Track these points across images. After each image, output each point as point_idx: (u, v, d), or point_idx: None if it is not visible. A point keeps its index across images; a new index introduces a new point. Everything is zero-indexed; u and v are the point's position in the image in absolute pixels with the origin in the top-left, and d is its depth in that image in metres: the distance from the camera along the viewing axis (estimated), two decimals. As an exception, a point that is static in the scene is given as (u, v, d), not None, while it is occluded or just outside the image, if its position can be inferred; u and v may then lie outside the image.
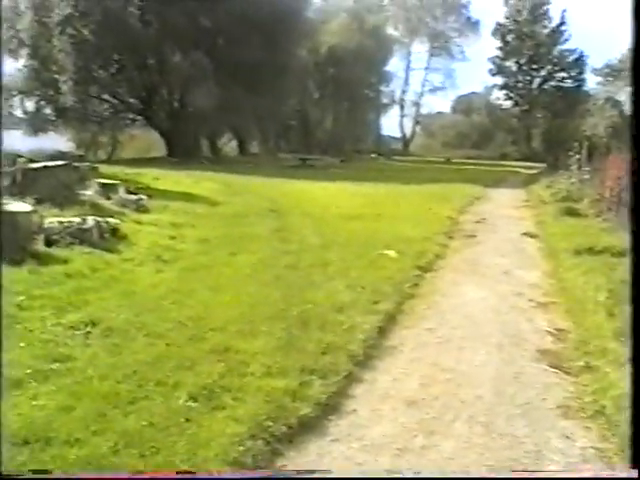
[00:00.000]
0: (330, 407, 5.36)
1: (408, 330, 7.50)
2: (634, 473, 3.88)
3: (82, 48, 37.70)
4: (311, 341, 6.47)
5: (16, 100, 44.07)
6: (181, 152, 39.53)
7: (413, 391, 5.81)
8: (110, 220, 11.15)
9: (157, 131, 44.87)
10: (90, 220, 10.34)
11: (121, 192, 15.01)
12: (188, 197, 17.74)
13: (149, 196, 15.85)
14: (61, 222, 10.08)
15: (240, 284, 8.64)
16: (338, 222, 14.61)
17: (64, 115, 42.02)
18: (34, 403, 4.85)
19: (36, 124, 43.03)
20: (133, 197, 14.89)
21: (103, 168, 22.69)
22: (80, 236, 9.85)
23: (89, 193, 14.05)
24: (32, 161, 15.13)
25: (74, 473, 4.11)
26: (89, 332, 6.37)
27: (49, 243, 9.52)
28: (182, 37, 38.54)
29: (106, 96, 43.65)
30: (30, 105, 44.22)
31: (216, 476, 4.25)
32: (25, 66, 42.81)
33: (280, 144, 58.97)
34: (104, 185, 15.12)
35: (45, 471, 4.06)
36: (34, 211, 9.67)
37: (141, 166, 29.99)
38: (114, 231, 10.81)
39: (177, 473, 4.16)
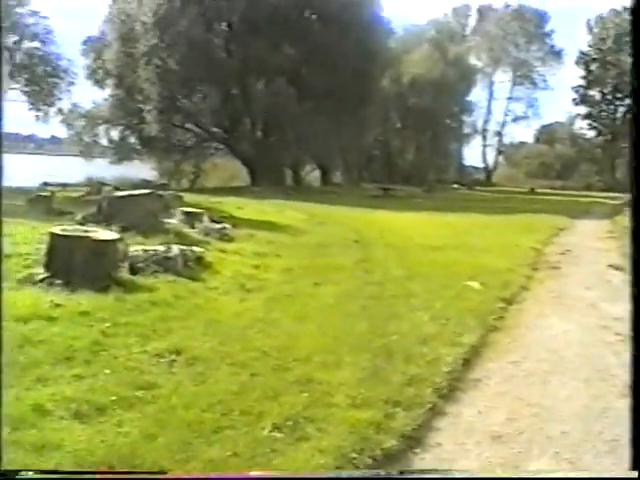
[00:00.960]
0: (415, 440, 5.31)
1: (493, 363, 7.40)
2: (634, 474, 3.84)
3: (167, 78, 38.58)
4: (395, 372, 6.45)
5: (102, 129, 45.29)
6: (264, 181, 39.91)
7: (498, 425, 5.72)
8: (194, 249, 11.32)
9: (240, 160, 45.43)
10: (175, 248, 10.53)
11: (205, 221, 15.24)
12: (271, 226, 17.90)
13: (233, 225, 16.04)
14: (146, 250, 10.29)
15: (324, 314, 8.67)
16: (421, 253, 14.55)
17: (149, 144, 42.99)
18: (119, 430, 4.93)
19: (121, 153, 44.10)
20: (217, 226, 15.10)
21: (187, 196, 23.11)
22: (165, 264, 10.03)
23: (174, 221, 14.33)
24: (118, 189, 15.49)
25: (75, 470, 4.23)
26: (174, 360, 6.47)
27: (134, 271, 9.71)
28: (266, 66, 39.06)
29: (190, 125, 44.48)
30: (115, 134, 45.42)
31: (216, 476, 4.34)
32: (111, 96, 44.10)
33: (363, 174, 59.08)
34: (188, 213, 15.39)
35: (45, 471, 4.14)
36: (120, 239, 9.89)
37: (224, 195, 30.39)
38: (198, 260, 10.97)
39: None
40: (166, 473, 4.36)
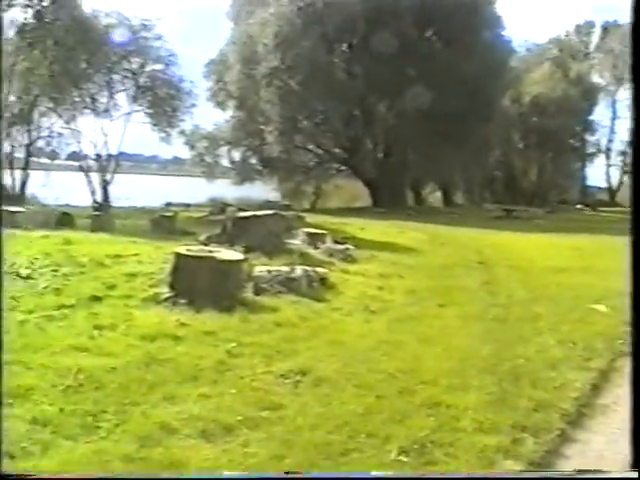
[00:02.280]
0: (543, 466, 5.18)
1: (622, 389, 7.14)
2: (634, 473, 3.86)
3: (288, 99, 39.12)
4: (522, 397, 6.37)
5: (224, 150, 46.24)
6: (386, 202, 39.91)
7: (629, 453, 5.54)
8: (318, 269, 11.41)
9: (362, 181, 45.58)
10: (299, 269, 10.64)
11: (328, 242, 15.35)
12: (394, 247, 17.90)
13: (355, 246, 16.10)
14: (270, 271, 10.44)
15: (449, 337, 8.62)
16: (545, 275, 14.29)
17: (270, 165, 43.67)
18: (246, 450, 4.99)
19: (243, 173, 44.92)
20: (340, 247, 15.19)
21: (308, 217, 23.35)
22: (289, 285, 10.15)
23: (297, 242, 14.50)
24: (241, 210, 15.77)
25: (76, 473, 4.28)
26: (299, 381, 6.51)
27: (258, 291, 9.86)
28: (387, 88, 39.15)
29: (311, 146, 44.94)
30: (237, 155, 46.27)
31: (216, 476, 4.38)
32: (232, 117, 45.02)
33: (484, 194, 58.40)
34: (311, 234, 15.55)
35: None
36: (244, 259, 10.06)
37: (346, 216, 30.60)
38: (322, 281, 11.04)
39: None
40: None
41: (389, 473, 4.75)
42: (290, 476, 4.58)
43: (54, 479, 4.30)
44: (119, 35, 38.67)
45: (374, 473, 4.69)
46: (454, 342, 8.30)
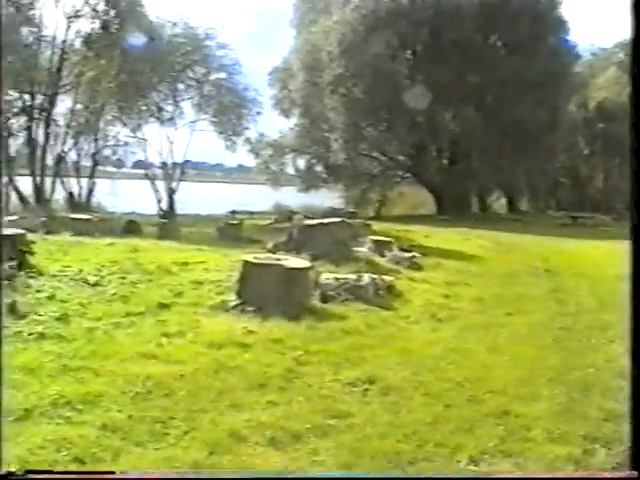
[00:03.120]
0: (617, 479, 5.11)
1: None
2: (634, 474, 3.72)
3: (352, 107, 39.09)
4: (592, 407, 6.30)
5: (288, 158, 46.44)
6: (451, 209, 39.68)
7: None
8: (385, 277, 11.40)
9: (426, 188, 45.37)
10: (366, 277, 10.65)
11: (394, 249, 15.33)
12: (460, 255, 17.81)
13: (421, 254, 16.04)
14: (337, 279, 10.47)
15: (517, 345, 8.58)
16: (613, 283, 14.01)
17: (335, 172, 43.68)
18: (314, 458, 5.01)
19: (308, 181, 45.01)
20: (406, 254, 15.14)
21: (374, 225, 23.34)
22: (355, 293, 10.16)
23: (363, 250, 14.51)
24: (307, 217, 15.84)
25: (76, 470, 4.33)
26: (367, 389, 6.52)
27: (325, 299, 9.89)
28: (451, 94, 38.93)
29: (375, 154, 44.85)
30: (302, 163, 46.41)
31: (217, 476, 4.43)
32: (297, 125, 45.15)
33: (550, 201, 57.63)
34: (377, 242, 15.54)
35: (46, 471, 4.19)
36: (311, 267, 10.10)
37: (411, 223, 30.48)
38: (389, 288, 11.03)
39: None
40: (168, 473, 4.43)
41: (391, 473, 4.76)
42: (290, 476, 4.60)
43: (55, 479, 4.34)
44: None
45: (374, 473, 4.67)
46: (522, 351, 8.25)
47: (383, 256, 14.74)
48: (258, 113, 42.49)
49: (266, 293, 9.17)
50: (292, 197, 44.81)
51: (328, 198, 44.24)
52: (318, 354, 7.49)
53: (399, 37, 39.67)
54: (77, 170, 39.18)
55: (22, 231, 12.64)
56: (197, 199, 44.29)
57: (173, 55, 38.96)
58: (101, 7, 35.97)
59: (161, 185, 41.14)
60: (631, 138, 4.34)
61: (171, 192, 40.81)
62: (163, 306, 9.41)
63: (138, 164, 44.09)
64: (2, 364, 5.64)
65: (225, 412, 5.75)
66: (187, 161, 42.89)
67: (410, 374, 6.97)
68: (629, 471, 3.96)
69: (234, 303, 9.34)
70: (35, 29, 35.01)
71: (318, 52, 40.32)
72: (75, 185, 38.80)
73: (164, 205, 39.87)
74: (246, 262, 9.72)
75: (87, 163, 39.73)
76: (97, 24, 36.17)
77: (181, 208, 39.07)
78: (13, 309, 8.49)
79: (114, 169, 43.43)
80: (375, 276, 11.03)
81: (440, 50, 38.32)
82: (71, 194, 38.17)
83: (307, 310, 9.19)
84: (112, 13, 35.98)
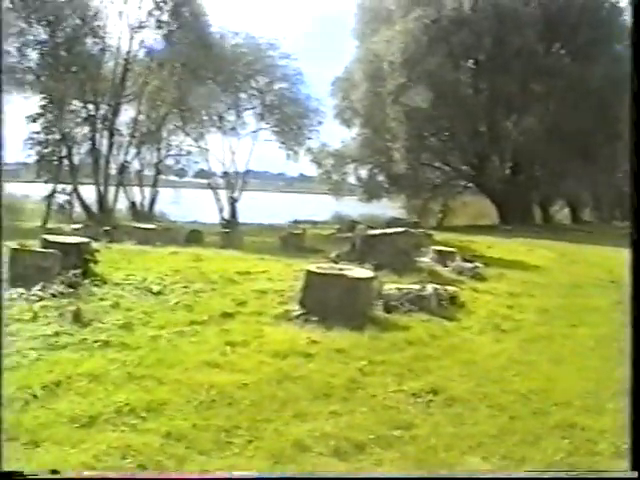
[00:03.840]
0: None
1: None
2: (634, 474, 3.85)
3: (414, 116, 38.96)
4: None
5: (350, 167, 46.41)
6: (513, 219, 39.24)
7: None
8: (448, 288, 11.34)
9: (489, 198, 44.99)
10: (429, 287, 10.62)
11: (457, 259, 15.26)
12: (523, 265, 17.63)
13: (484, 264, 15.92)
14: (400, 289, 10.44)
15: (582, 357, 8.48)
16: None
17: (397, 182, 43.54)
18: (379, 469, 5.00)
19: (370, 191, 44.91)
20: (469, 265, 15.05)
21: (436, 235, 23.22)
22: (419, 303, 10.14)
23: (425, 260, 14.46)
24: (370, 227, 15.86)
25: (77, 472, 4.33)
26: (430, 400, 6.50)
27: (388, 309, 9.88)
28: (513, 103, 38.64)
29: (438, 163, 44.65)
30: (364, 172, 46.32)
31: (217, 476, 4.43)
32: (359, 135, 45.15)
33: (614, 212, 56.75)
34: (440, 252, 15.48)
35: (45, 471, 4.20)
36: (374, 277, 10.10)
37: (473, 233, 30.29)
38: (452, 299, 10.97)
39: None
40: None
41: (390, 473, 4.76)
42: (290, 476, 4.59)
43: (55, 479, 4.38)
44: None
45: (375, 473, 4.64)
46: (587, 363, 8.16)
47: (446, 266, 14.69)
48: (320, 123, 42.69)
49: (329, 303, 9.19)
50: (352, 207, 44.80)
51: (389, 208, 44.13)
52: (382, 364, 7.48)
53: (461, 46, 39.49)
54: (140, 179, 39.77)
55: (87, 240, 12.85)
56: (259, 208, 44.50)
57: (235, 65, 39.32)
58: (165, 18, 36.52)
59: (223, 194, 41.48)
60: (632, 137, 4.30)
61: (233, 201, 41.13)
62: (227, 315, 9.49)
63: (200, 173, 44.49)
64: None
65: (289, 422, 5.77)
66: (249, 170, 43.24)
67: (474, 385, 6.93)
68: (629, 471, 3.96)
69: (297, 313, 9.38)
70: (99, 40, 35.66)
71: (380, 62, 40.28)
72: (138, 194, 39.36)
73: (226, 214, 40.19)
74: (309, 272, 9.75)
75: (149, 172, 40.27)
76: (160, 34, 36.69)
77: (243, 217, 39.34)
78: (77, 317, 8.65)
79: (176, 178, 43.88)
80: (438, 286, 10.99)
81: (503, 59, 38.05)
82: (134, 203, 38.75)
83: (370, 320, 9.19)
84: (176, 25, 36.40)
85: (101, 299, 10.11)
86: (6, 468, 4.47)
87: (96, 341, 7.76)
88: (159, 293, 10.89)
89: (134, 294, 10.73)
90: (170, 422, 5.55)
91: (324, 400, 6.33)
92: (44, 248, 11.70)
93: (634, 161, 4.54)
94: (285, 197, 66.72)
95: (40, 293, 9.84)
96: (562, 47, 41.59)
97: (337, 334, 8.49)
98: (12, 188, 34.55)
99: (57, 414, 5.54)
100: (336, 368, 7.24)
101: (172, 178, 43.70)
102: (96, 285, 10.92)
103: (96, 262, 12.00)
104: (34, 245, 11.93)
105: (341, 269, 9.98)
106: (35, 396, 5.92)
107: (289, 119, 41.16)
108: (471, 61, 42.04)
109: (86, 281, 10.88)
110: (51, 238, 12.47)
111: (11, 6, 31.81)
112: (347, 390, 6.61)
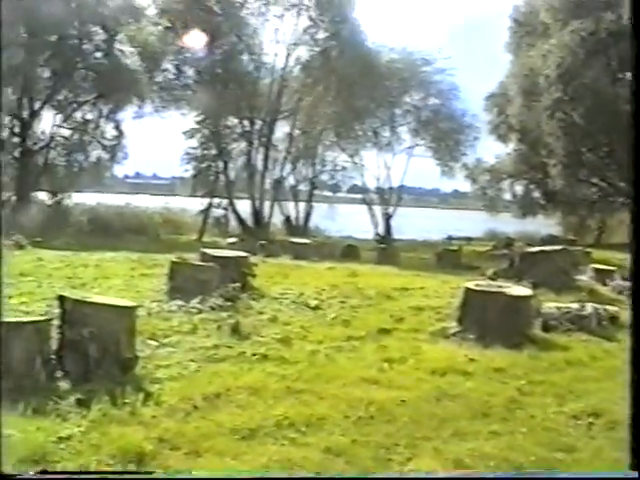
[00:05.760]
0: None
1: None
2: (634, 474, 3.81)
3: (571, 131, 38.03)
4: None
5: (506, 183, 45.70)
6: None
7: None
8: (608, 307, 11.01)
9: (648, 215, 43.41)
10: (589, 307, 10.35)
11: (617, 278, 14.79)
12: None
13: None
14: (559, 307, 10.23)
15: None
16: None
17: (553, 199, 42.57)
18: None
19: (525, 207, 44.07)
20: (628, 284, 14.56)
21: (593, 253, 22.58)
22: (578, 323, 9.91)
23: (584, 278, 14.10)
24: (528, 245, 15.62)
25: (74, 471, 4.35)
26: (591, 423, 6.33)
27: (546, 328, 9.69)
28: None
29: (595, 179, 43.42)
30: (519, 188, 45.53)
31: (220, 476, 4.44)
32: (514, 150, 44.41)
33: None
34: (598, 270, 15.06)
35: (44, 471, 4.20)
36: (533, 295, 9.93)
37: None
38: (612, 319, 10.63)
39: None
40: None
41: (389, 473, 4.76)
42: (290, 476, 4.50)
43: (54, 479, 4.43)
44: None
45: (375, 473, 4.64)
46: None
47: (605, 285, 14.27)
48: (476, 139, 42.23)
49: (488, 321, 9.11)
50: (505, 223, 44.08)
51: (542, 225, 43.22)
52: (541, 385, 7.36)
53: (620, 59, 38.30)
54: (295, 194, 40.31)
55: (245, 254, 13.17)
56: (413, 224, 44.36)
57: (390, 80, 39.35)
58: (321, 35, 36.96)
59: (377, 210, 41.55)
60: (632, 138, 4.14)
61: (387, 217, 41.08)
62: (384, 331, 9.54)
63: (354, 189, 44.68)
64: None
65: (448, 440, 5.74)
66: (402, 186, 43.17)
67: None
68: (629, 471, 4.00)
69: (455, 330, 9.34)
70: (255, 56, 36.44)
71: (536, 76, 39.53)
72: (292, 209, 39.89)
73: (380, 230, 40.23)
74: (468, 289, 9.69)
75: (304, 187, 40.77)
76: (316, 51, 37.11)
77: (397, 233, 39.31)
78: (236, 330, 8.88)
79: (330, 193, 44.21)
80: (598, 306, 10.69)
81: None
82: (288, 217, 39.24)
83: (529, 339, 9.06)
84: (333, 42, 36.74)
85: (259, 312, 10.35)
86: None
87: (255, 354, 7.96)
88: (316, 308, 11.06)
89: (291, 308, 10.94)
90: (329, 437, 5.63)
91: (483, 419, 6.27)
92: (203, 261, 12.09)
93: (634, 160, 4.39)
94: (438, 213, 66.31)
95: (199, 306, 10.17)
96: None
97: (495, 353, 8.41)
98: (170, 202, 35.96)
99: (218, 425, 5.71)
100: (495, 387, 7.16)
101: (326, 193, 44.05)
102: (254, 299, 11.19)
103: (254, 276, 12.29)
104: (192, 258, 12.33)
105: (500, 286, 9.89)
106: (196, 407, 6.11)
107: (444, 135, 40.88)
108: (630, 74, 40.72)
109: (244, 295, 11.15)
110: (210, 251, 12.87)
111: (170, 25, 33.03)
112: (506, 410, 6.53)
